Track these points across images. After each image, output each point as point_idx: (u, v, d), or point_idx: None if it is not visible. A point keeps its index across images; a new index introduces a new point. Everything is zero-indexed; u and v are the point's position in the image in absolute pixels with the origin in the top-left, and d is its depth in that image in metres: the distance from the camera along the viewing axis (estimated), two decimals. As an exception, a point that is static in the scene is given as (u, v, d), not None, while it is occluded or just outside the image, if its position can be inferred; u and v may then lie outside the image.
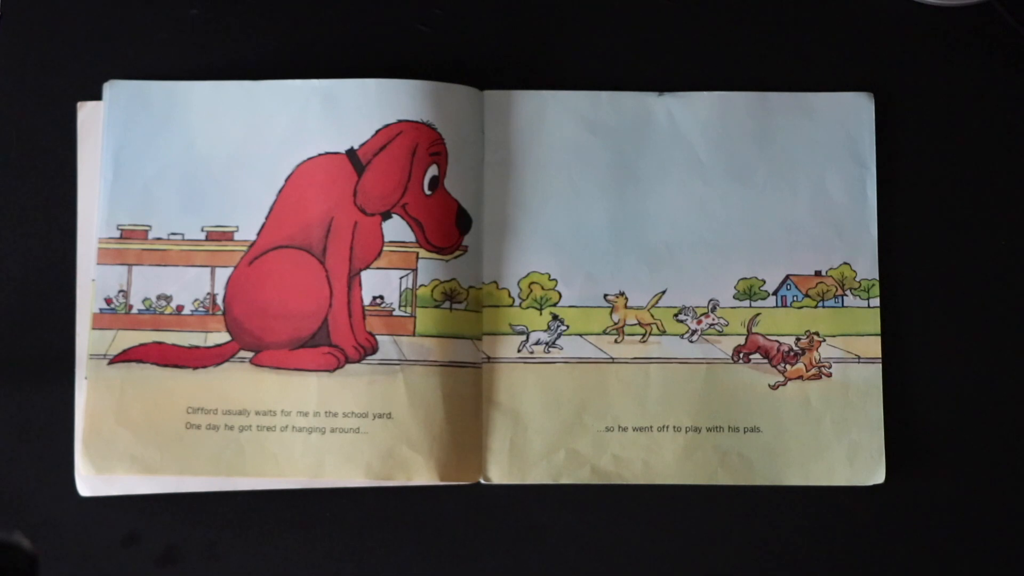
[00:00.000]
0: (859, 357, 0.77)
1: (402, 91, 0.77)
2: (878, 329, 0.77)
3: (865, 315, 0.77)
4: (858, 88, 0.79)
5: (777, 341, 0.77)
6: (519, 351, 0.77)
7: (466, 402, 0.76)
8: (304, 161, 0.77)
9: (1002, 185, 0.79)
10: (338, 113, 0.78)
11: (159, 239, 0.77)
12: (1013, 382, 0.77)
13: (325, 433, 0.75)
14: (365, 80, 0.77)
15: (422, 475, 0.75)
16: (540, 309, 0.78)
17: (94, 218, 0.78)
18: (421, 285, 0.76)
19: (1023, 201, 0.79)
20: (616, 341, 0.77)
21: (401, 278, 0.76)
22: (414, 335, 0.76)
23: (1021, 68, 0.80)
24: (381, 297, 0.77)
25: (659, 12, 0.80)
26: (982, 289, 0.78)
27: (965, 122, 0.79)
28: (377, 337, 0.76)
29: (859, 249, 0.78)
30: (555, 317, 0.77)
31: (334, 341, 0.76)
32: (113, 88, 0.78)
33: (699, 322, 0.77)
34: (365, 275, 0.77)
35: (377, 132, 0.77)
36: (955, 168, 0.79)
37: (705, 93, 0.79)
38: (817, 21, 0.80)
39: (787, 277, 0.78)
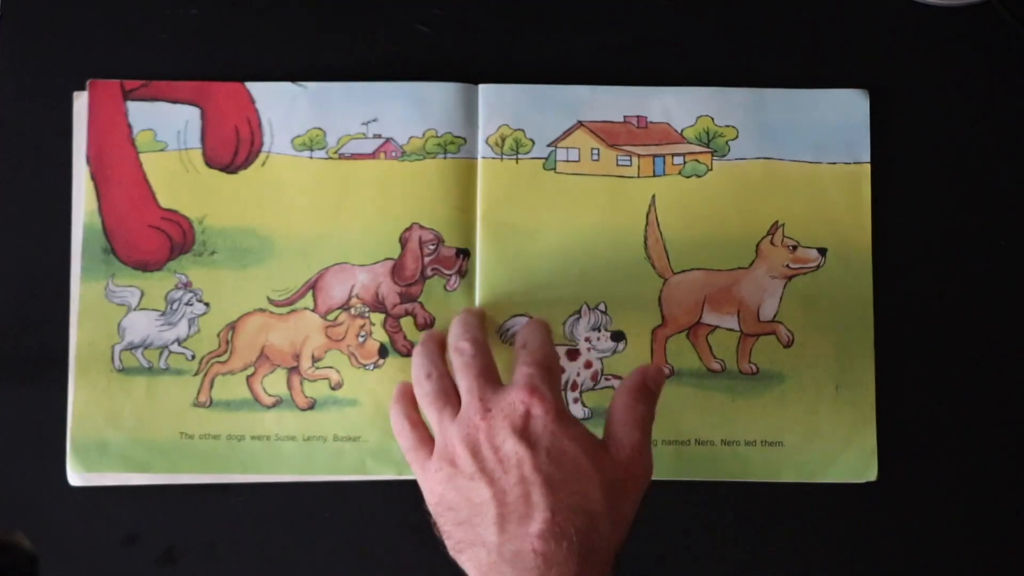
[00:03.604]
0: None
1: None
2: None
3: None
4: (854, 85, 0.79)
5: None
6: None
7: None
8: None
9: (999, 185, 0.78)
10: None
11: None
12: (1006, 380, 0.77)
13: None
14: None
15: None
16: None
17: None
18: None
19: (1020, 201, 0.78)
20: None
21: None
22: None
23: (1020, 68, 0.79)
24: None
25: (656, 9, 0.80)
26: (977, 287, 0.78)
27: (962, 121, 0.79)
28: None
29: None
30: None
31: None
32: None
33: None
34: None
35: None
36: (951, 167, 0.79)
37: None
38: (814, 18, 0.80)
39: (783, 274, 0.78)
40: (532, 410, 0.60)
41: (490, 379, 0.63)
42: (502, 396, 0.62)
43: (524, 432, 0.60)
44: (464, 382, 0.63)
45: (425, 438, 0.65)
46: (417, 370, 0.65)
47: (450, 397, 0.64)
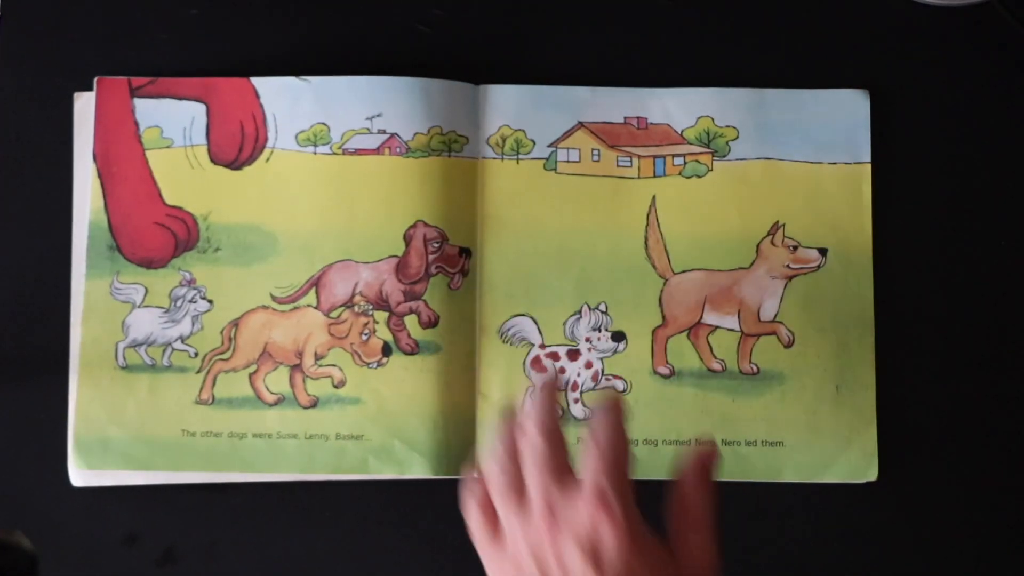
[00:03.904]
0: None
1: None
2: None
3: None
4: (854, 85, 0.79)
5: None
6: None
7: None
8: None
9: (999, 185, 0.79)
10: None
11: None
12: (1005, 380, 0.77)
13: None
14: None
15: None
16: None
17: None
18: None
19: (1020, 201, 0.79)
20: None
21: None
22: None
23: (1021, 68, 0.80)
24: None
25: (656, 9, 0.80)
26: (977, 287, 0.78)
27: (962, 121, 0.79)
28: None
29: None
30: None
31: None
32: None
33: None
34: None
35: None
36: (951, 167, 0.79)
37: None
38: (814, 18, 0.80)
39: (783, 275, 0.78)
40: (601, 531, 0.57)
41: (559, 477, 0.60)
42: (570, 504, 0.59)
43: (594, 555, 0.57)
44: (532, 478, 0.60)
45: (497, 525, 0.62)
46: (492, 457, 0.62)
47: (521, 492, 0.61)
